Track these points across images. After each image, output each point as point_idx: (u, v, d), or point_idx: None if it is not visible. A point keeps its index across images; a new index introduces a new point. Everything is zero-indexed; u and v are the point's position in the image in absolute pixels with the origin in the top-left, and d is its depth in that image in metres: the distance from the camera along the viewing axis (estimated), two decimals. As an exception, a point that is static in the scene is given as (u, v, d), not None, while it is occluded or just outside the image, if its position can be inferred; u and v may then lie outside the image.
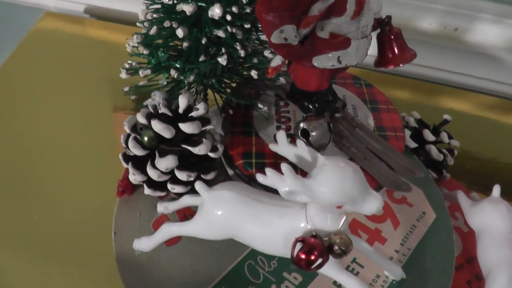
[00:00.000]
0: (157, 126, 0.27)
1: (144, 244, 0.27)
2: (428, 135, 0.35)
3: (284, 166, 0.21)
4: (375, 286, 0.28)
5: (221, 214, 0.24)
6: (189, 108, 0.28)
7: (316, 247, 0.22)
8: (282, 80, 0.32)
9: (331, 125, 0.30)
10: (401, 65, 0.30)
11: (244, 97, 0.31)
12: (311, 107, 0.31)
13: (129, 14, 0.56)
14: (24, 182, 0.38)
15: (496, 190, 0.32)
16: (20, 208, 0.35)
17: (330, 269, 0.24)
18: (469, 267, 0.33)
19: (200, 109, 0.28)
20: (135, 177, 0.28)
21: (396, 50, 0.30)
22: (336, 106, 0.32)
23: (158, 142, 0.27)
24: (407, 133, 0.35)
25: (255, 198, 0.24)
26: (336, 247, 0.23)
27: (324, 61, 0.27)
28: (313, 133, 0.29)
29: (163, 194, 0.29)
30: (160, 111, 0.27)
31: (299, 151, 0.23)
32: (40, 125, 0.43)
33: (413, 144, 0.34)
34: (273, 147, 0.24)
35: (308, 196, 0.21)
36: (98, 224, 0.32)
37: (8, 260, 0.32)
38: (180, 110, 0.28)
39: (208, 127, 0.28)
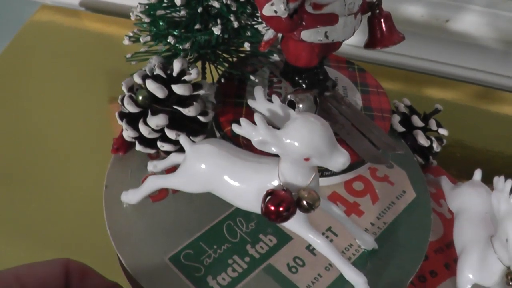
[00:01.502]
0: (151, 85, 0.29)
1: (131, 196, 0.29)
2: (417, 121, 0.36)
3: (257, 117, 0.23)
4: (346, 254, 0.29)
5: (202, 167, 0.26)
6: (183, 72, 0.30)
7: (284, 200, 0.23)
8: (276, 57, 0.34)
9: (317, 99, 0.31)
10: (389, 46, 0.32)
11: (239, 70, 0.33)
12: (301, 83, 0.33)
13: (124, 6, 0.57)
14: (21, 171, 0.39)
15: (477, 174, 0.33)
16: (17, 196, 0.37)
17: (299, 226, 0.25)
18: (448, 251, 0.34)
19: (192, 74, 0.30)
20: (128, 133, 0.30)
21: (384, 32, 0.31)
22: (326, 84, 0.34)
23: (151, 101, 0.29)
24: (396, 118, 0.36)
25: (235, 154, 0.26)
26: (303, 202, 0.24)
27: (312, 35, 0.29)
28: (300, 105, 0.30)
29: (153, 151, 0.30)
30: (155, 73, 0.29)
31: (274, 107, 0.24)
32: (36, 116, 0.44)
33: (400, 129, 0.35)
34: (251, 102, 0.25)
35: (277, 146, 0.23)
36: (95, 212, 0.32)
37: (5, 248, 0.34)
38: (174, 73, 0.29)
39: (200, 92, 0.30)
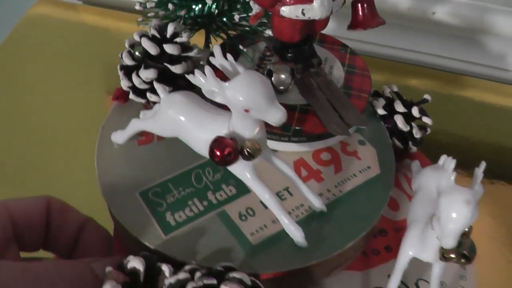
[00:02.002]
0: (146, 43, 0.33)
1: (119, 136, 0.34)
2: (398, 105, 0.37)
3: (207, 69, 0.26)
4: (295, 212, 0.31)
5: (171, 113, 0.30)
6: (175, 34, 0.34)
7: (228, 145, 0.27)
8: (269, 32, 0.37)
9: (294, 71, 0.34)
10: (368, 28, 0.34)
11: (235, 42, 0.37)
12: (288, 57, 0.36)
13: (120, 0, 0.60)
14: (19, 163, 0.42)
15: (442, 159, 0.34)
16: (16, 189, 0.40)
17: (244, 173, 0.28)
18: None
19: (183, 37, 0.34)
20: (123, 83, 0.34)
21: (366, 15, 0.33)
22: (311, 61, 0.36)
23: (145, 57, 0.34)
24: (381, 102, 0.38)
25: (201, 106, 0.29)
26: (245, 150, 0.27)
27: (290, 11, 0.32)
28: (276, 74, 0.33)
29: (143, 101, 0.35)
30: (150, 33, 0.33)
31: (228, 64, 0.28)
32: (34, 108, 0.47)
33: (382, 111, 0.37)
34: (211, 59, 0.28)
35: (222, 96, 0.26)
36: (97, 202, 0.33)
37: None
38: (168, 35, 0.33)
39: (189, 53, 0.34)
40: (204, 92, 0.26)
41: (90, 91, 0.48)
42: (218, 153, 0.27)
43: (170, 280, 0.27)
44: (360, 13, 0.33)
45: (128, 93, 0.35)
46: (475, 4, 0.48)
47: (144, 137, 0.34)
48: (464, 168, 0.41)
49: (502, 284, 0.38)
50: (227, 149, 0.27)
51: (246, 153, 0.27)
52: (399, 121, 0.37)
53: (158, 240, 0.30)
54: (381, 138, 0.36)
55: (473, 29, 0.51)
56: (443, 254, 0.28)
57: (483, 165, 0.29)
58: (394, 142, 0.37)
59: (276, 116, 0.26)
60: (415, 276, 0.34)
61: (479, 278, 0.35)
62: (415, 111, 0.37)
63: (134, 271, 0.27)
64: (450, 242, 0.27)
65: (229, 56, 0.27)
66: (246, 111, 0.26)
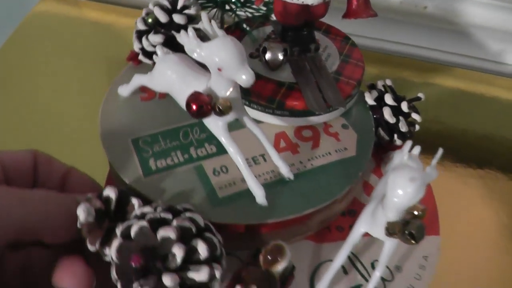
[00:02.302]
0: (157, 11, 0.37)
1: (123, 89, 0.38)
2: (388, 98, 0.39)
3: (190, 30, 0.29)
4: (265, 175, 0.34)
5: (164, 69, 0.33)
6: (185, 7, 0.37)
7: (201, 100, 0.30)
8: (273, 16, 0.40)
9: (287, 50, 0.37)
10: (359, 17, 0.36)
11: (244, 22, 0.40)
12: (288, 40, 0.38)
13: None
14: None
15: (416, 149, 0.35)
16: None
17: (216, 129, 0.31)
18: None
19: (192, 10, 0.37)
20: (135, 45, 0.38)
21: (359, 6, 0.36)
22: (309, 46, 0.39)
23: (156, 24, 0.38)
24: (374, 94, 0.40)
25: (190, 67, 0.33)
26: (217, 106, 0.30)
27: (286, -6, 0.35)
28: (269, 51, 0.36)
29: (150, 62, 0.39)
30: (163, 3, 0.38)
31: (212, 29, 0.31)
32: (39, 101, 0.48)
33: (371, 101, 0.39)
34: (199, 24, 0.32)
35: (199, 55, 0.29)
36: None
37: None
38: (178, 7, 0.37)
39: (195, 25, 0.37)
40: (186, 50, 0.30)
41: (93, 86, 0.50)
42: (194, 106, 0.30)
43: (136, 211, 0.30)
44: (354, 3, 0.36)
45: (138, 55, 0.40)
46: None
47: (147, 94, 0.38)
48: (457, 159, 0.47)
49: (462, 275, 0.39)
50: (200, 102, 0.30)
51: (217, 109, 0.30)
52: (386, 112, 0.38)
53: (138, 180, 0.33)
54: (365, 126, 0.38)
55: (463, 23, 0.54)
56: (388, 229, 0.29)
57: (440, 151, 0.30)
58: (379, 133, 0.39)
59: (244, 77, 0.28)
60: (373, 257, 0.35)
61: (439, 270, 0.36)
62: (404, 106, 0.39)
63: (108, 199, 0.31)
64: (390, 215, 0.28)
65: (213, 22, 0.31)
66: (219, 70, 0.29)
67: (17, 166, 0.33)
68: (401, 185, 0.28)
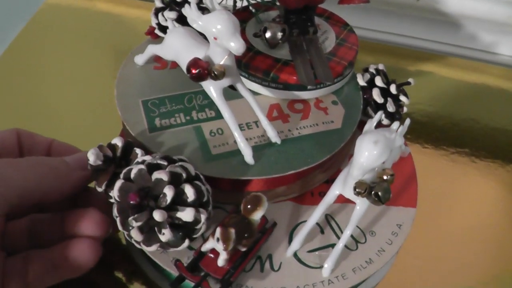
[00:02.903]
0: (173, -10, 0.42)
1: (139, 58, 0.43)
2: (378, 80, 0.42)
3: (192, 4, 0.34)
4: (255, 139, 0.38)
5: (172, 40, 0.38)
6: (199, -12, 0.42)
7: (199, 64, 0.34)
8: (279, 0, 0.44)
9: (286, 30, 0.41)
10: (351, 3, 0.39)
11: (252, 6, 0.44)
12: (290, 23, 0.42)
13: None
14: None
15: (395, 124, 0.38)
16: None
17: (212, 93, 0.35)
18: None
19: (204, -10, 0.42)
20: (152, 20, 0.43)
21: (352, -9, 0.39)
22: (308, 29, 0.42)
23: (171, 2, 0.42)
24: (366, 76, 0.43)
25: (195, 38, 0.37)
26: (213, 71, 0.34)
27: (287, -22, 0.38)
28: (269, 30, 0.40)
29: (164, 35, 0.43)
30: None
31: (212, 3, 0.35)
32: (50, 91, 0.52)
33: (362, 83, 0.42)
34: (204, 1, 0.36)
35: (198, 24, 0.33)
36: None
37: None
38: (193, -13, 0.42)
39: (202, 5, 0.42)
40: (188, 20, 0.34)
41: (101, 74, 0.54)
42: (193, 70, 0.35)
43: (138, 159, 0.35)
44: (348, -11, 0.39)
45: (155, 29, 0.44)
46: None
47: (160, 64, 0.43)
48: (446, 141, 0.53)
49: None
50: (197, 66, 0.34)
51: (213, 74, 0.34)
52: (375, 92, 0.42)
53: (144, 134, 0.38)
54: (354, 104, 0.41)
55: (454, 14, 0.59)
56: (355, 188, 0.33)
57: (407, 121, 0.34)
58: (368, 111, 0.42)
59: (235, 45, 0.33)
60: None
61: (409, 238, 0.39)
62: (392, 88, 0.42)
63: (114, 146, 0.36)
64: (355, 173, 0.32)
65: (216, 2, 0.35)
66: (215, 39, 0.33)
67: (2, 143, 0.36)
68: (366, 147, 0.31)
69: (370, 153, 0.31)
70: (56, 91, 0.55)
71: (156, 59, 0.43)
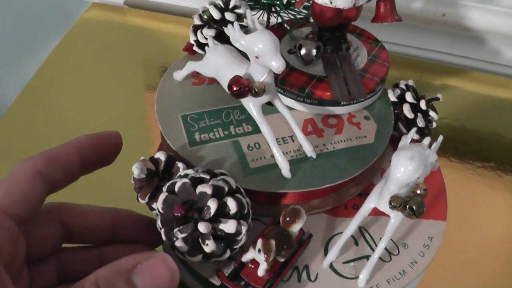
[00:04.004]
0: (212, 9, 0.43)
1: (178, 74, 0.44)
2: (408, 95, 0.43)
3: (235, 24, 0.35)
4: (292, 153, 0.39)
5: (213, 57, 0.39)
6: (236, 7, 0.44)
7: (240, 82, 0.36)
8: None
9: (321, 48, 0.42)
10: (384, 22, 0.41)
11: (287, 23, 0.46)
12: (324, 40, 0.44)
13: (163, 4, 0.68)
14: None
15: (426, 139, 0.39)
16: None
17: (251, 108, 0.37)
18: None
19: (241, 9, 0.43)
20: (191, 37, 0.45)
21: (386, 11, 0.41)
22: (341, 46, 0.44)
23: (210, 20, 0.44)
24: (397, 92, 0.44)
25: (235, 56, 0.39)
26: (253, 88, 0.36)
27: (320, -2, 0.40)
28: (304, 47, 0.42)
29: (202, 53, 0.45)
30: (217, 2, 0.44)
31: (253, 23, 0.36)
32: (84, 105, 0.54)
33: (393, 98, 0.44)
34: (245, 20, 0.38)
35: (241, 44, 0.35)
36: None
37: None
38: (230, 6, 0.44)
39: (241, 23, 0.43)
40: (231, 40, 0.36)
41: (136, 90, 0.55)
42: (234, 87, 0.36)
43: (181, 172, 0.37)
44: (382, 9, 0.41)
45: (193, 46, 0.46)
46: (480, 6, 0.53)
47: (197, 80, 0.45)
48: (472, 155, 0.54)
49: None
50: (239, 84, 0.36)
51: (253, 91, 0.36)
52: (405, 108, 0.43)
53: (184, 149, 0.39)
54: (385, 119, 0.43)
55: (478, 29, 0.60)
56: (391, 202, 0.34)
57: (440, 138, 0.35)
58: (399, 127, 0.44)
59: (276, 64, 0.34)
60: (382, 234, 0.40)
61: (441, 251, 0.40)
62: (422, 104, 0.43)
63: (157, 160, 0.37)
64: (392, 187, 0.33)
65: (254, 18, 0.36)
66: (257, 57, 0.35)
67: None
68: (402, 163, 0.32)
69: (406, 168, 0.32)
70: (89, 105, 0.57)
71: (194, 75, 0.45)
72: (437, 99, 0.44)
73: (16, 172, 0.31)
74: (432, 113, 0.43)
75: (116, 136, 0.37)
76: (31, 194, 0.31)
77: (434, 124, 0.44)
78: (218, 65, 0.39)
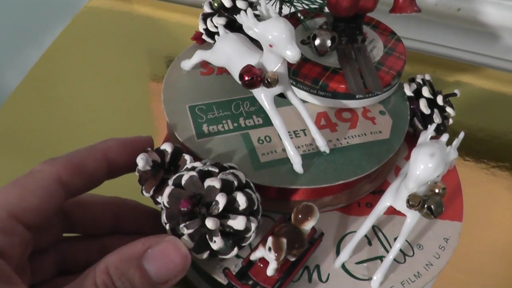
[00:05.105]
0: (223, -4, 0.42)
1: (186, 63, 0.43)
2: (425, 90, 0.41)
3: (249, 11, 0.33)
4: (304, 147, 0.38)
5: (223, 46, 0.38)
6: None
7: (253, 71, 0.34)
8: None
9: (335, 39, 0.40)
10: (403, 13, 0.39)
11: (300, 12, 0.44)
12: (338, 30, 0.42)
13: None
14: (66, 141, 0.47)
15: (444, 136, 0.37)
16: None
17: (263, 99, 0.35)
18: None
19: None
20: (200, 25, 0.43)
21: (405, 1, 0.39)
22: (356, 37, 0.42)
23: (220, 8, 0.42)
24: (413, 86, 0.42)
25: (246, 45, 0.37)
26: (266, 79, 0.34)
27: (337, -12, 0.38)
28: (318, 38, 0.40)
29: (212, 41, 0.43)
30: (228, -10, 0.42)
31: (267, 11, 0.35)
32: (88, 93, 0.53)
33: (409, 93, 0.42)
34: (258, 8, 0.36)
35: (254, 32, 0.33)
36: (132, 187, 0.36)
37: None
38: (242, -4, 0.42)
39: (254, 11, 0.42)
40: (244, 27, 0.34)
41: (137, 77, 0.54)
42: (246, 77, 0.35)
43: (188, 165, 0.35)
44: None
45: (203, 38, 0.44)
46: (497, 2, 0.52)
47: (206, 70, 0.43)
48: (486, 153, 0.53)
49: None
50: (251, 73, 0.34)
51: (266, 81, 0.34)
52: (422, 103, 0.41)
53: (192, 140, 0.38)
54: (401, 114, 0.41)
55: (493, 25, 0.58)
56: (408, 201, 0.32)
57: (462, 134, 0.33)
58: (414, 123, 0.42)
59: (291, 53, 0.32)
60: (396, 234, 0.38)
61: (457, 252, 0.38)
62: (439, 99, 0.41)
63: (164, 152, 0.36)
64: (411, 185, 0.31)
65: (269, 5, 0.35)
66: (271, 46, 0.33)
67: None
68: (422, 160, 0.31)
69: (426, 166, 0.30)
70: (93, 94, 0.55)
71: (203, 64, 0.43)
72: (455, 94, 0.42)
73: (35, 175, 0.28)
74: (449, 109, 0.42)
75: (148, 141, 0.35)
76: (47, 203, 0.28)
77: (451, 121, 0.43)
78: (229, 54, 0.37)
